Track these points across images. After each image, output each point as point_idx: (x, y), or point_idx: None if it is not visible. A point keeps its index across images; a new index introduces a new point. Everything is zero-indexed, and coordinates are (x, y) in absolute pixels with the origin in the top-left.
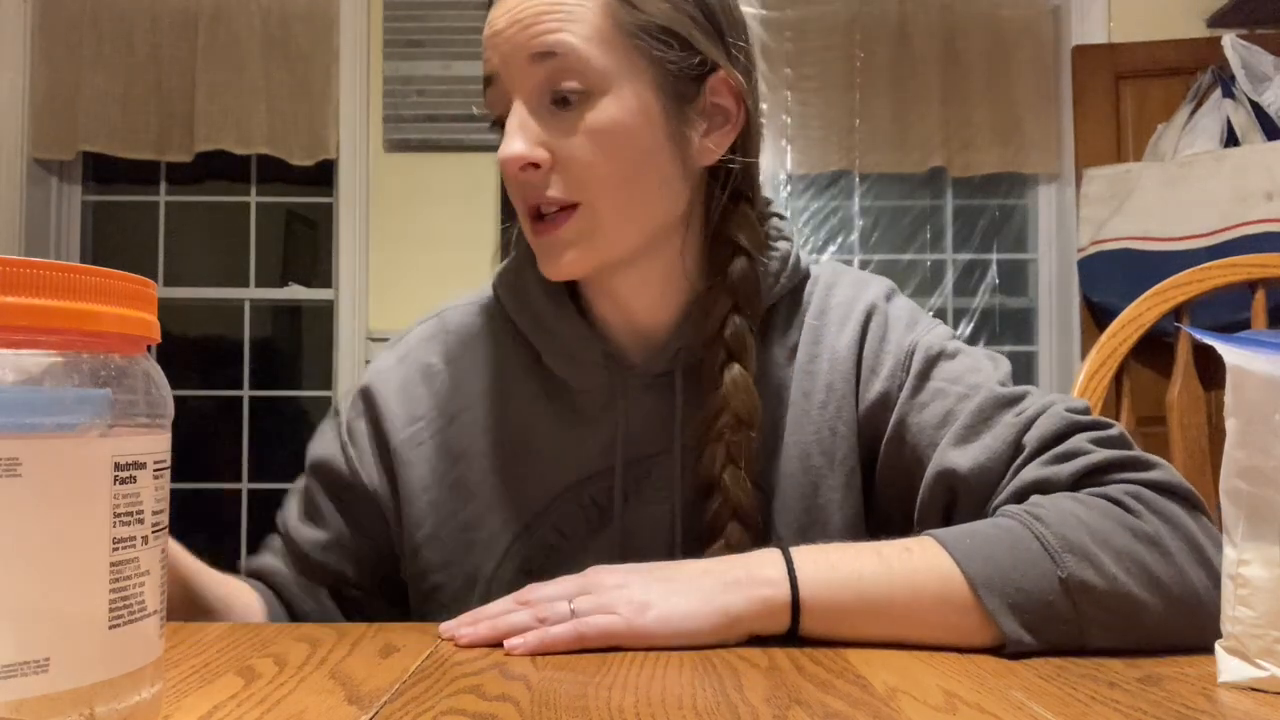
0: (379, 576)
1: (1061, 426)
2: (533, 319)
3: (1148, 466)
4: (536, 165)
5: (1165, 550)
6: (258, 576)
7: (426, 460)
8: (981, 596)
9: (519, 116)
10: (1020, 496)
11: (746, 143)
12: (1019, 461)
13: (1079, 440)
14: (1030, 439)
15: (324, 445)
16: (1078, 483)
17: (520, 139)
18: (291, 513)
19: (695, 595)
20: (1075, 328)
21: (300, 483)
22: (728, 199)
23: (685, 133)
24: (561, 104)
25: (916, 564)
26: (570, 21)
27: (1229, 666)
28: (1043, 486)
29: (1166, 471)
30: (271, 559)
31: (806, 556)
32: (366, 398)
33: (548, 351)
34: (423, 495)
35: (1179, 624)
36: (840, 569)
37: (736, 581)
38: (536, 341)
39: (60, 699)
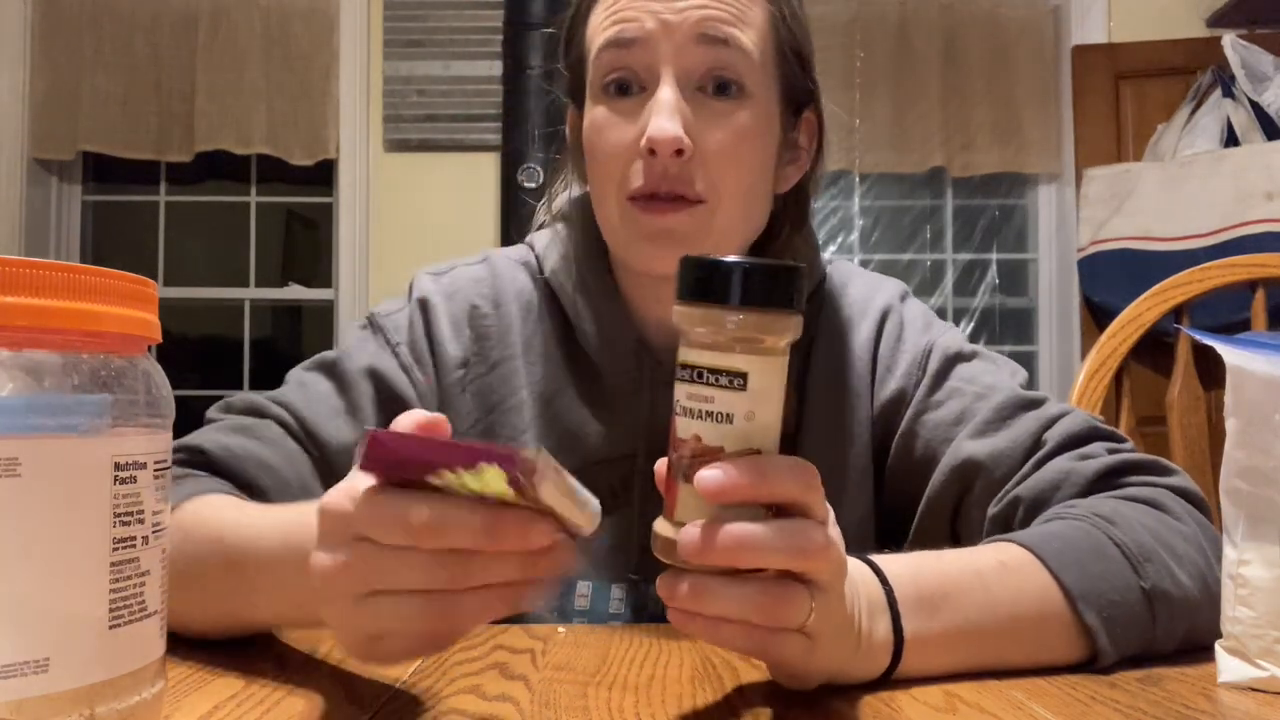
0: None
1: (1083, 429)
2: (577, 294)
3: (1168, 471)
4: (681, 151)
5: (1206, 555)
6: (232, 463)
7: (465, 407)
8: (1081, 612)
9: (672, 95)
10: (1047, 488)
11: (812, 177)
12: (1042, 454)
13: (1098, 446)
14: (1052, 435)
15: (375, 356)
16: (1102, 479)
17: (677, 120)
18: (315, 407)
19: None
20: (1075, 328)
21: (310, 379)
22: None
23: (782, 157)
24: (718, 93)
25: (1015, 583)
26: (743, 21)
27: (1229, 666)
28: (1068, 478)
29: (1184, 478)
30: (254, 445)
31: (911, 603)
32: (427, 316)
33: (584, 330)
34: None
35: (1218, 626)
36: (943, 610)
37: (856, 652)
38: (575, 317)
39: (60, 699)
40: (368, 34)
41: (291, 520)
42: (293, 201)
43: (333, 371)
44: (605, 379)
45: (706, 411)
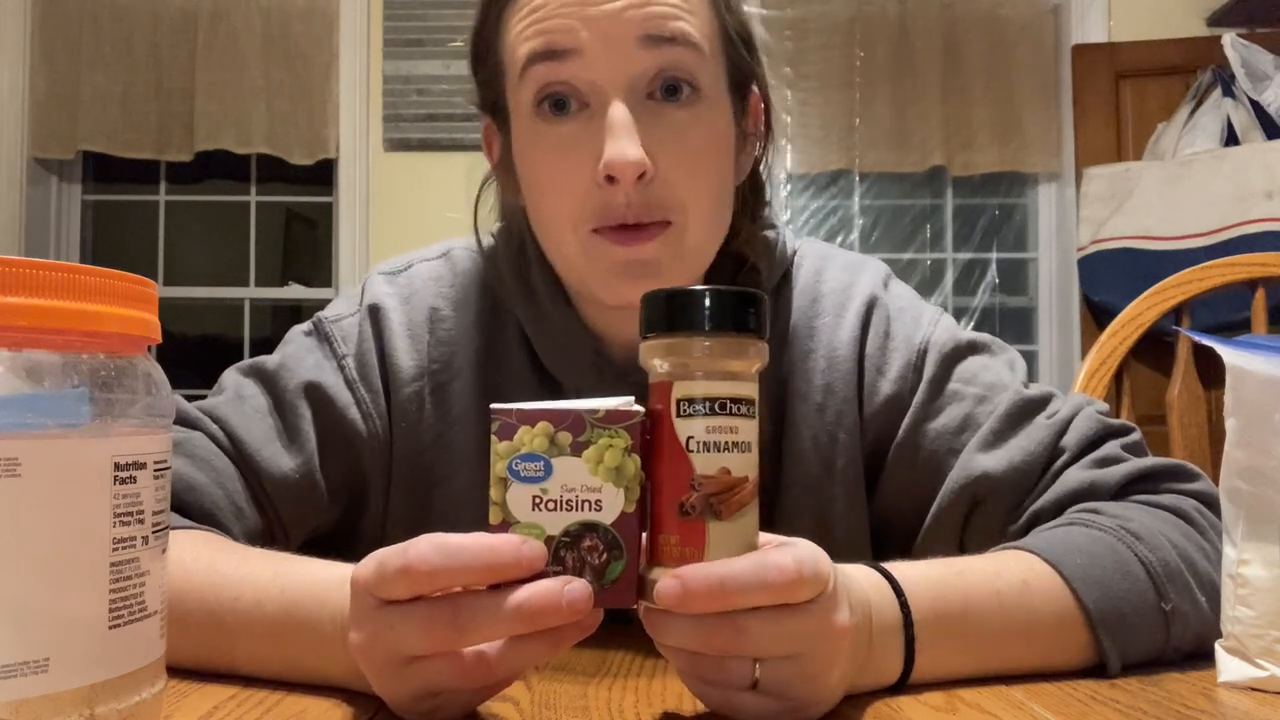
0: (302, 537)
1: (1097, 432)
2: (533, 308)
3: (1192, 477)
4: (644, 174)
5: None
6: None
7: (427, 418)
8: (1099, 634)
9: (625, 114)
10: (1068, 499)
11: (764, 161)
12: (1060, 463)
13: (1113, 446)
14: (1069, 442)
15: (316, 370)
16: (1126, 488)
17: (636, 141)
18: (250, 427)
19: (839, 693)
20: (1075, 327)
21: (248, 389)
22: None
23: (738, 148)
24: (668, 96)
25: (1035, 602)
26: (687, 10)
27: (1229, 666)
28: (1092, 490)
29: (1207, 483)
30: (181, 463)
31: (928, 624)
32: (379, 325)
33: (542, 343)
34: (405, 459)
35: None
36: (959, 629)
37: (862, 670)
38: (531, 329)
39: (60, 699)
40: (368, 34)
41: (282, 575)
42: (293, 201)
43: (271, 385)
44: (565, 392)
45: (732, 443)
